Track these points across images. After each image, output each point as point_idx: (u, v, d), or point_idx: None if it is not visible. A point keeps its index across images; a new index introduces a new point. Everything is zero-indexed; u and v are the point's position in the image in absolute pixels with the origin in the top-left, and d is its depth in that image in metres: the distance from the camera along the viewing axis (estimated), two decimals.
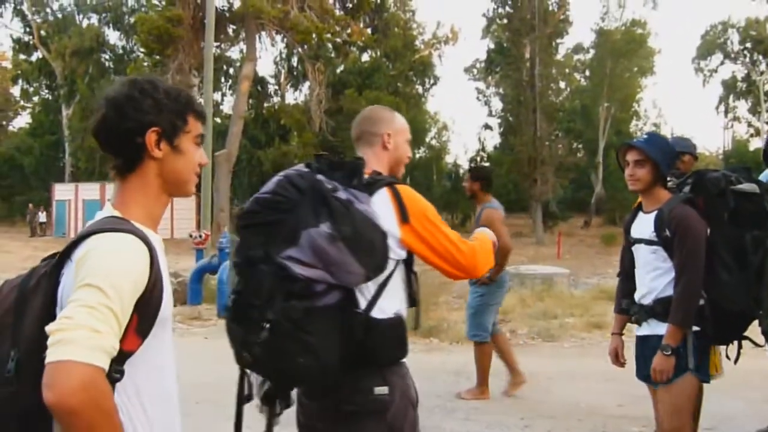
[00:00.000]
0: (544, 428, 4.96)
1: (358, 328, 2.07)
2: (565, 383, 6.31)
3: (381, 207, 2.11)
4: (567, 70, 42.67)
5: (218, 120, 35.55)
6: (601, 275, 16.96)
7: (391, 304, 2.16)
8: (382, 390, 2.13)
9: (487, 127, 45.72)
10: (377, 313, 2.11)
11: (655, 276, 3.15)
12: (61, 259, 1.49)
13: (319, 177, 2.11)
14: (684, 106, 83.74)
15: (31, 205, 36.99)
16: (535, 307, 10.26)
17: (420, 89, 39.57)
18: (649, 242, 3.15)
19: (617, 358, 3.50)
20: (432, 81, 40.81)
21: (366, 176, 2.17)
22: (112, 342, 1.35)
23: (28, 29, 43.77)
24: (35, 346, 1.37)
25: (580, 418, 5.19)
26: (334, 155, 2.28)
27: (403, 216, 2.13)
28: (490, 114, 44.41)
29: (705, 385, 3.17)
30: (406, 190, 2.19)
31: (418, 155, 40.09)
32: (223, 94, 41.60)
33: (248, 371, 2.16)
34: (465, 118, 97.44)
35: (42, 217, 36.70)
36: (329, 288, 2.02)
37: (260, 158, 34.83)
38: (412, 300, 2.29)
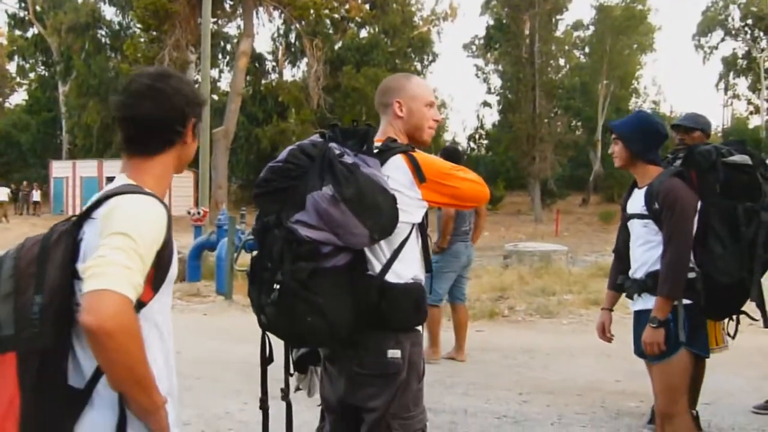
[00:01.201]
0: (543, 404, 4.98)
1: (372, 292, 2.13)
2: (563, 359, 6.34)
3: (397, 172, 2.19)
4: (566, 47, 42.37)
5: (215, 97, 35.37)
6: (599, 253, 17.00)
7: (407, 269, 2.21)
8: (395, 353, 2.18)
9: (485, 104, 45.75)
10: (392, 277, 2.17)
11: (646, 249, 3.14)
12: (81, 218, 1.66)
13: (331, 145, 2.16)
14: (684, 83, 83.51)
15: (25, 183, 36.56)
16: (533, 283, 10.25)
17: (418, 66, 39.31)
18: (640, 216, 3.15)
19: (604, 333, 3.50)
20: (430, 58, 40.64)
21: (379, 143, 2.24)
22: (138, 279, 1.52)
23: (23, 4, 43.34)
24: (57, 293, 1.58)
25: (579, 393, 5.22)
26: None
27: (420, 177, 2.20)
28: (489, 91, 44.31)
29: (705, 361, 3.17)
30: (420, 154, 2.27)
31: None
32: (221, 71, 41.40)
33: (268, 334, 2.23)
34: (464, 96, 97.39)
35: (36, 195, 35.60)
36: (337, 250, 2.08)
37: (258, 135, 34.69)
38: (429, 265, 2.36)
